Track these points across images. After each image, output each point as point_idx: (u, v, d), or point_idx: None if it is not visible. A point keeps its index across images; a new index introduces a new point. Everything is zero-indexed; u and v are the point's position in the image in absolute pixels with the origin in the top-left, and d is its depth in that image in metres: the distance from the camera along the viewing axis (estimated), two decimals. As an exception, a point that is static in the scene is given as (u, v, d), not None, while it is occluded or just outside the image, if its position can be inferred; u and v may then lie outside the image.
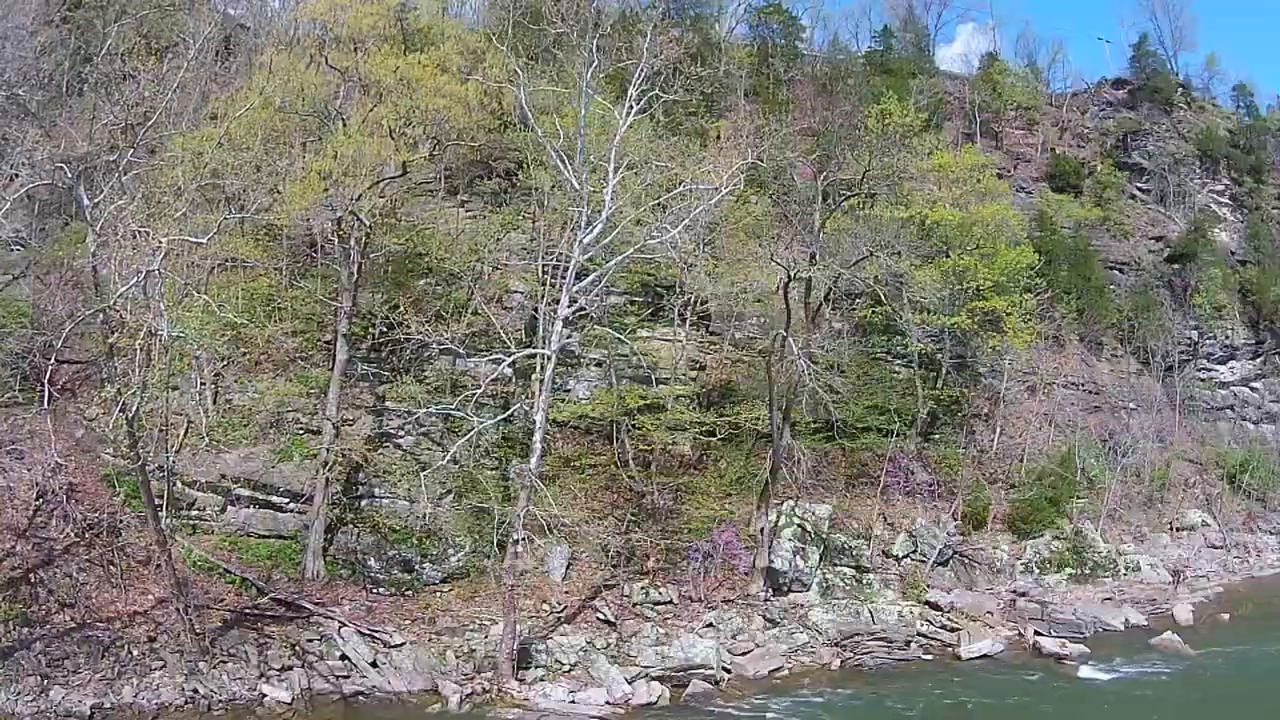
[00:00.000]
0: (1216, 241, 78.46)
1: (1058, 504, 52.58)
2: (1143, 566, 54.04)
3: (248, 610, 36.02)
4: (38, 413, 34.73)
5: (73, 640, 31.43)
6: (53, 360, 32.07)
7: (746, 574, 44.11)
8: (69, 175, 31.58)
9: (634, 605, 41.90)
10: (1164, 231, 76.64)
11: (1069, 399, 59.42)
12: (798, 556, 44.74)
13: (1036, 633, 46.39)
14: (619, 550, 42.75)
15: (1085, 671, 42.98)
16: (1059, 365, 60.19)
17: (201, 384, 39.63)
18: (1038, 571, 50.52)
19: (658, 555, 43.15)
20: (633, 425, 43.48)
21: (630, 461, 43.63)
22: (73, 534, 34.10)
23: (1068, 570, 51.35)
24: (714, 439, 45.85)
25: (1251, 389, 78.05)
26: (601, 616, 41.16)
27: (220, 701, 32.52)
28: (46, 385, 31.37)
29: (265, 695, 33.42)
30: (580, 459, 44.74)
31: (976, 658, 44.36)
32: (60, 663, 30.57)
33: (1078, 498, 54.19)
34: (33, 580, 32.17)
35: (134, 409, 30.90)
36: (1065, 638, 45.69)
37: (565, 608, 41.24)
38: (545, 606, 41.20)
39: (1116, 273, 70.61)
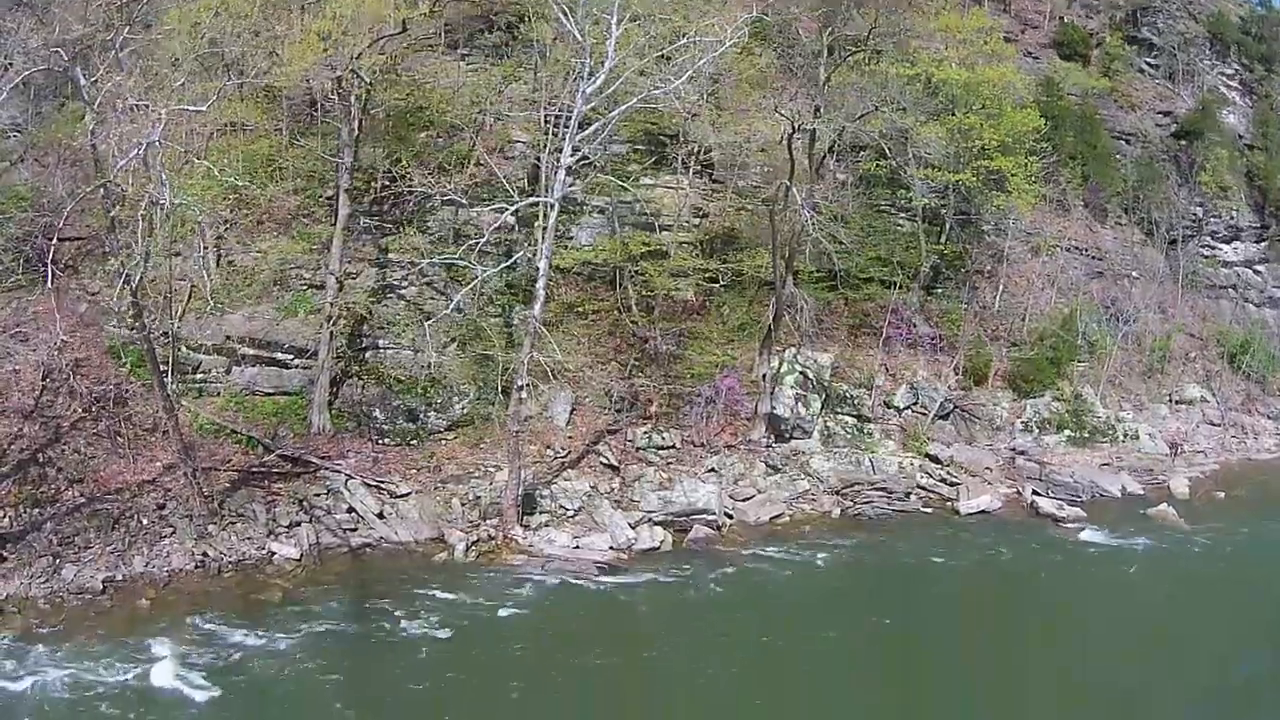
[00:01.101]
0: (1224, 124, 77.57)
1: (1058, 365, 52.94)
2: (1141, 436, 54.56)
3: (255, 469, 36.64)
4: (42, 293, 35.27)
5: (82, 516, 31.87)
6: (54, 239, 31.96)
7: (748, 420, 44.66)
8: (64, 59, 31.33)
9: (637, 450, 42.46)
10: (1171, 107, 75.87)
11: (1072, 263, 59.45)
12: (799, 404, 45.28)
13: (1035, 493, 47.24)
14: (622, 395, 43.37)
15: (1084, 535, 43.84)
16: (1063, 229, 60.09)
17: (204, 248, 39.63)
18: (1037, 431, 51.07)
19: (660, 400, 43.75)
20: (636, 272, 43.79)
21: (633, 307, 44.04)
22: (80, 409, 34.52)
23: (1066, 432, 51.90)
24: (717, 285, 46.20)
25: (1255, 272, 77.93)
26: (605, 461, 41.81)
27: (230, 563, 33.19)
28: (49, 265, 31.61)
29: (274, 553, 34.13)
30: (583, 305, 45.15)
31: (975, 513, 45.35)
32: (71, 540, 31.03)
33: (1078, 361, 54.57)
34: (41, 460, 32.47)
35: (137, 279, 31.22)
36: (1063, 500, 46.65)
37: (569, 453, 41.90)
38: (549, 452, 41.79)
39: (1123, 143, 70.09)
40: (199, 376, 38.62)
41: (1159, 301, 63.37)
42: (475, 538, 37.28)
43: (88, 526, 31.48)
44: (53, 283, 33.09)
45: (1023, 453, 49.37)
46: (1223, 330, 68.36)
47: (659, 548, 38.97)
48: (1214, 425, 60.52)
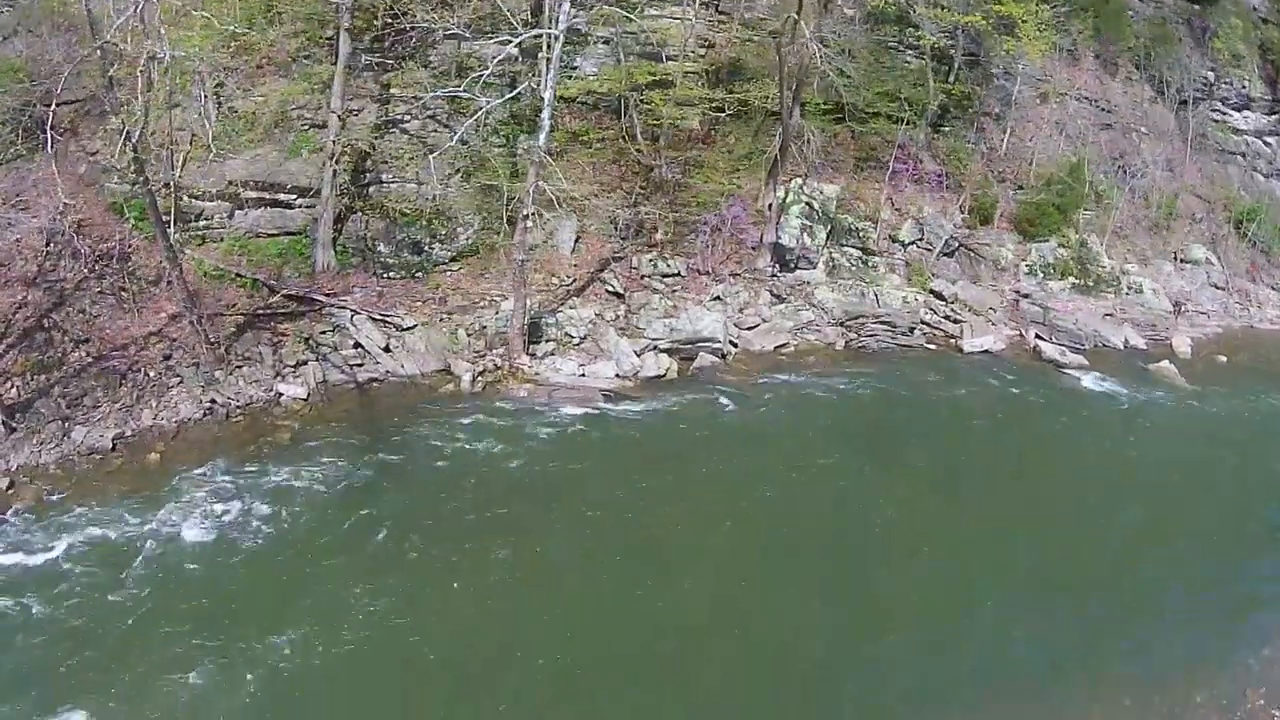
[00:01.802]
0: (1239, -4, 76.12)
1: (1065, 212, 52.77)
2: (1145, 290, 54.54)
3: (260, 311, 36.57)
4: (41, 160, 34.55)
5: (89, 376, 31.77)
6: (52, 105, 31.41)
7: (754, 249, 44.79)
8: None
9: (642, 277, 42.62)
10: (1186, -30, 74.30)
11: (1081, 112, 58.89)
12: (805, 234, 45.33)
13: (1038, 336, 47.54)
14: (627, 223, 43.43)
15: (1085, 382, 44.40)
16: (1072, 78, 59.28)
17: (204, 97, 39.17)
18: (1041, 276, 51.13)
19: (666, 228, 43.79)
20: (641, 101, 43.36)
21: (638, 136, 43.79)
22: (83, 269, 34.16)
23: (1071, 280, 51.96)
24: (722, 115, 45.83)
25: (1265, 142, 77.02)
26: (610, 289, 41.99)
27: (238, 407, 33.33)
28: (48, 130, 31.03)
29: (281, 394, 34.34)
30: (588, 134, 44.90)
31: (978, 352, 45.61)
32: (79, 401, 30.96)
33: (1085, 210, 54.25)
34: (46, 325, 32.19)
35: (137, 134, 30.92)
36: (1066, 346, 46.98)
37: (574, 281, 42.08)
38: (554, 280, 41.92)
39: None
40: (201, 224, 38.38)
41: (1167, 159, 62.87)
42: (481, 368, 37.66)
43: (95, 386, 31.45)
44: (52, 148, 32.64)
45: (1027, 296, 49.49)
46: (1230, 195, 67.90)
47: (664, 375, 39.35)
48: (1218, 289, 60.41)
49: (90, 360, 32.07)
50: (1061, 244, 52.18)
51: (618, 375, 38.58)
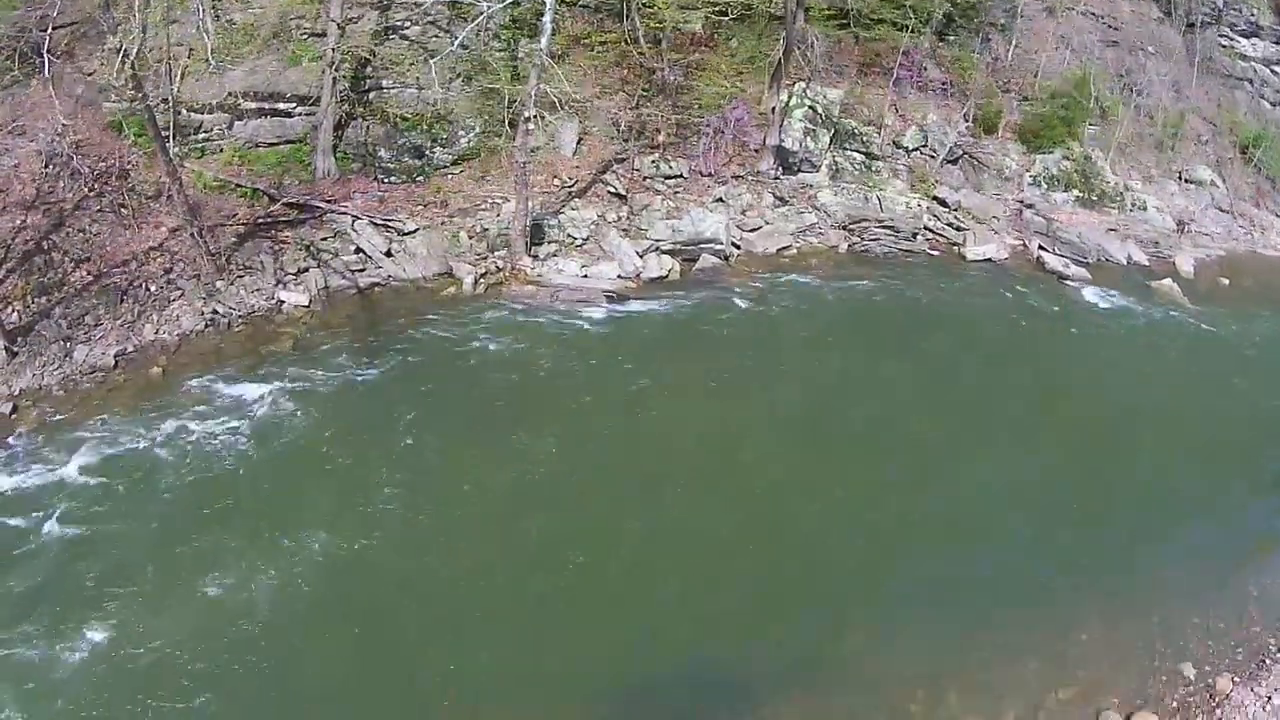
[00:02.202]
0: (1247, -80, 75.24)
1: (1070, 125, 52.58)
2: (1149, 208, 54.42)
3: (261, 220, 36.59)
4: (39, 83, 34.58)
5: (90, 294, 31.70)
6: (49, 29, 31.22)
7: (757, 151, 44.78)
8: None
9: (644, 179, 42.65)
10: (1193, -110, 73.48)
11: (1087, 27, 58.41)
12: (808, 138, 45.28)
13: (1041, 247, 47.53)
14: (629, 125, 43.45)
15: (1088, 294, 44.37)
16: (1078, -8, 58.82)
17: (202, 11, 38.83)
18: (1045, 187, 51.03)
19: (668, 130, 43.81)
20: (643, 4, 43.10)
21: (640, 39, 43.65)
22: (83, 189, 34.08)
23: (1075, 193, 51.84)
24: (725, 18, 45.52)
25: (1272, 70, 76.42)
26: (612, 190, 42.01)
27: (240, 317, 33.43)
28: (45, 54, 31.28)
29: (283, 302, 34.44)
30: (590, 37, 44.83)
31: (981, 260, 45.66)
32: (80, 320, 30.91)
33: (1090, 124, 53.96)
34: (45, 247, 32.07)
35: (135, 51, 30.97)
36: (1069, 258, 46.92)
37: (576, 182, 42.11)
38: (556, 182, 41.94)
39: (1142, -82, 68.19)
40: (201, 136, 38.40)
41: (1173, 80, 62.45)
42: (483, 270, 37.82)
43: (96, 304, 31.44)
44: (49, 71, 32.64)
45: (1030, 206, 49.45)
46: (1236, 121, 67.51)
47: (666, 276, 39.51)
48: (1222, 211, 60.20)
49: (91, 279, 32.08)
50: (1066, 157, 51.97)
51: (620, 276, 38.73)
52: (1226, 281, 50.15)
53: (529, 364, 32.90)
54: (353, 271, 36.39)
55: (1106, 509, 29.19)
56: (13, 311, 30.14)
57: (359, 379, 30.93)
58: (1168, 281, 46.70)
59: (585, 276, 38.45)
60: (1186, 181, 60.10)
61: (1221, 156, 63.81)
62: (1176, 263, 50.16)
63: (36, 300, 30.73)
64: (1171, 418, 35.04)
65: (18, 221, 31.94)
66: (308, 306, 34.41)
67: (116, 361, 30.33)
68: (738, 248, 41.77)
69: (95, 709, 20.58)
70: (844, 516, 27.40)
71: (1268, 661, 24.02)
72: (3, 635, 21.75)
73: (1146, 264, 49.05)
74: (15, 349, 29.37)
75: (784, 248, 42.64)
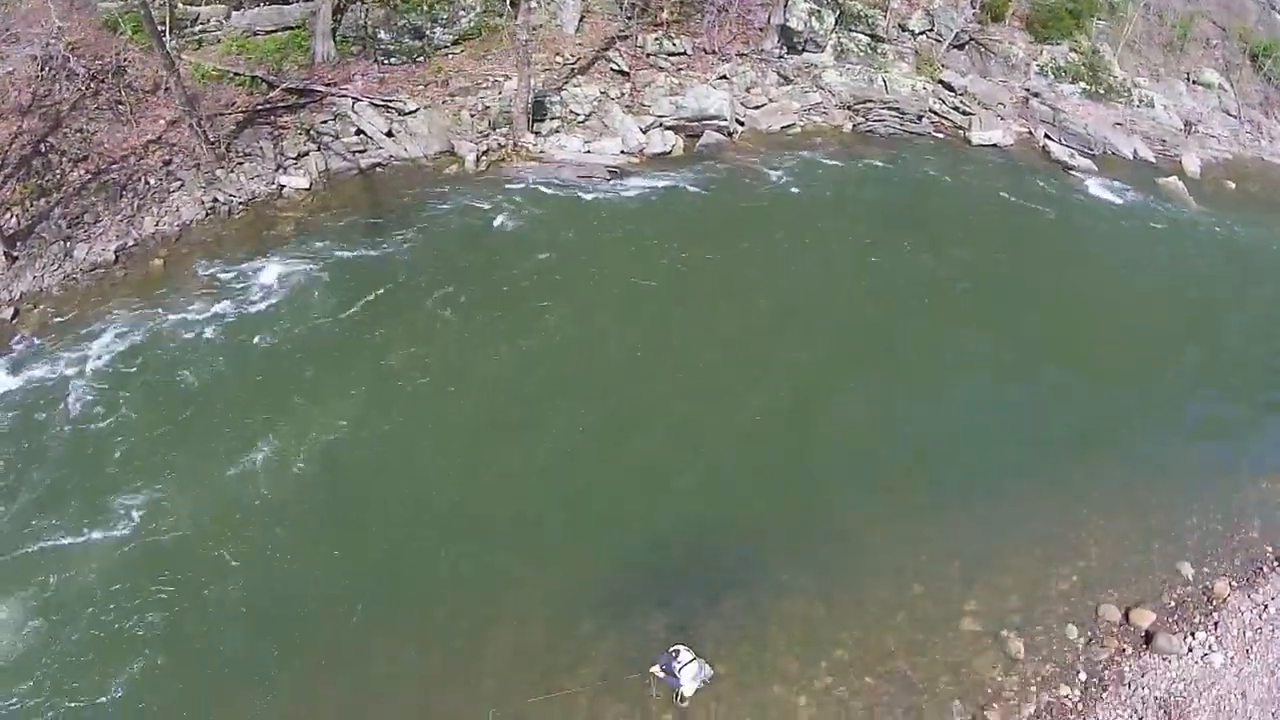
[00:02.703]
0: None
1: (1078, 17, 52.12)
2: (1156, 105, 53.92)
3: (260, 108, 36.38)
4: None
5: (90, 192, 31.60)
6: None
7: (761, 30, 44.53)
8: None
9: (647, 56, 42.40)
10: None
11: (1094, -80, 57.60)
12: (813, 18, 45.03)
13: (1047, 136, 47.30)
14: (632, 2, 43.02)
15: (1092, 185, 44.32)
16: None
17: None
18: (1052, 77, 50.63)
19: (671, 7, 43.61)
20: (646, -125, 42.54)
21: (644, -87, 42.97)
22: (79, 88, 33.80)
23: (1082, 85, 51.47)
24: (731, -107, 44.81)
25: (1284, -18, 75.63)
26: (615, 67, 41.78)
27: (240, 204, 33.43)
28: None
29: (284, 186, 34.40)
30: (593, -89, 43.95)
31: (986, 145, 45.57)
32: (79, 219, 30.84)
33: (1098, 18, 53.31)
34: (43, 149, 31.90)
35: None
36: (1074, 149, 46.73)
37: (578, 60, 41.90)
38: (558, 59, 41.72)
39: None
40: (198, 28, 38.25)
41: (1184, -19, 61.70)
42: (485, 147, 37.72)
43: (95, 202, 31.41)
44: None
45: (1037, 95, 49.06)
46: (1247, 29, 66.74)
47: (670, 152, 39.38)
48: (1230, 115, 59.57)
49: (89, 177, 31.98)
50: (1073, 49, 51.49)
51: (623, 152, 38.58)
52: (1232, 185, 49.74)
53: (532, 238, 32.96)
54: (353, 153, 36.29)
55: (1105, 403, 29.05)
56: (11, 217, 30.05)
57: (361, 258, 31.05)
58: (1174, 179, 46.46)
59: (588, 152, 38.27)
60: (1194, 83, 59.49)
61: (1230, 62, 63.10)
62: (1183, 162, 49.80)
63: (35, 204, 30.73)
64: (1175, 314, 34.91)
65: (15, 128, 31.87)
66: (309, 189, 34.39)
67: (117, 257, 30.37)
68: (741, 124, 41.53)
69: (126, 583, 21.02)
70: (841, 398, 27.51)
71: (1265, 570, 24.22)
72: (33, 522, 22.12)
73: (1152, 160, 48.69)
74: (15, 254, 29.35)
75: (788, 125, 42.38)
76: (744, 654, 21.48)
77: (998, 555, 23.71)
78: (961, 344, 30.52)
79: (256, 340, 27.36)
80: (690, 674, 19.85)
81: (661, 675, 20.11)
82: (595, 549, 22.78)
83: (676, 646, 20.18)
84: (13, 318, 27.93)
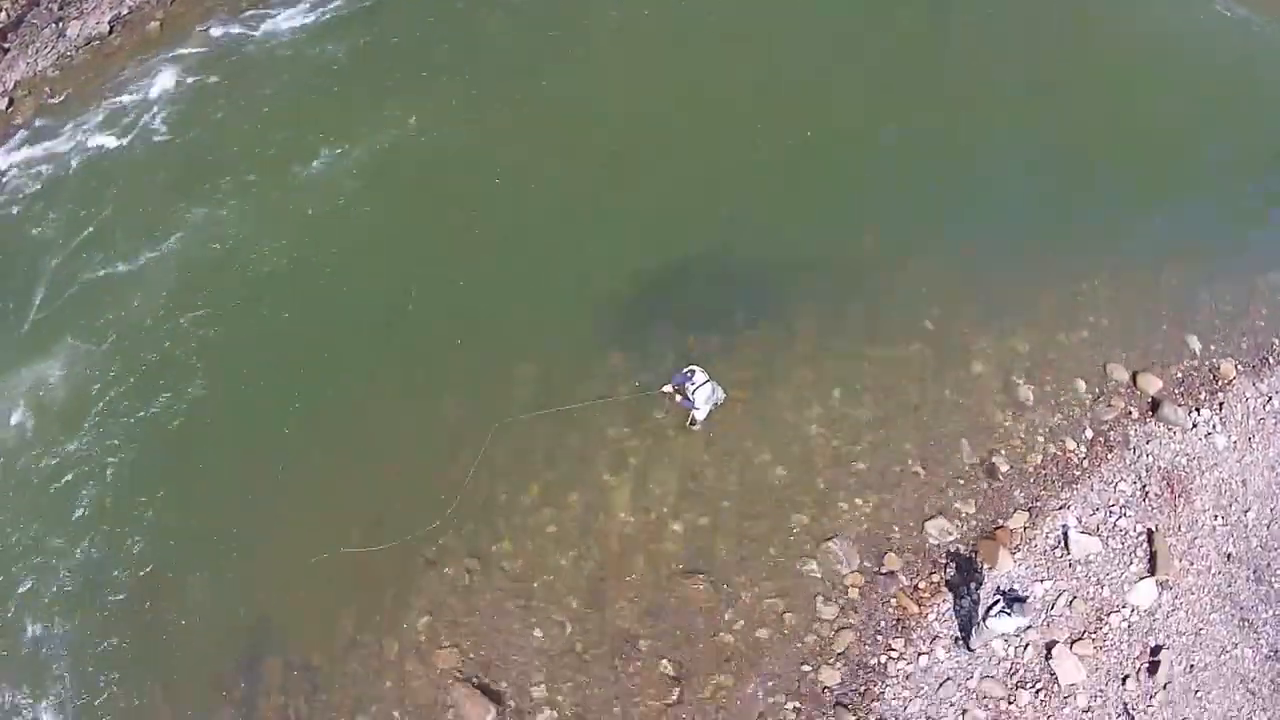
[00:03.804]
0: None
1: None
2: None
3: None
4: None
5: None
6: None
7: None
8: None
9: None
10: None
11: None
12: None
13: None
14: None
15: None
16: None
17: None
18: None
19: None
20: None
21: None
22: None
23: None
24: None
25: None
26: None
27: None
28: None
29: None
30: None
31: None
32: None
33: None
34: None
35: None
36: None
37: None
38: None
39: None
40: None
41: None
42: None
43: None
44: None
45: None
46: None
47: None
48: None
49: None
50: None
51: None
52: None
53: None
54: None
55: (1138, 178, 26.91)
56: (1, 11, 28.93)
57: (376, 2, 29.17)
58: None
59: None
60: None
61: None
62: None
63: (24, -5, 29.67)
64: (1224, 107, 31.54)
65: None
66: None
67: (111, 28, 29.12)
68: None
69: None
70: (872, 139, 26.06)
71: (1271, 361, 23.32)
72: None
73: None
74: (6, 45, 28.46)
75: None
76: (757, 378, 21.28)
77: (1013, 303, 23.20)
78: (977, 95, 28.80)
79: (268, 84, 26.91)
80: (704, 396, 19.43)
81: (675, 395, 19.77)
82: (612, 271, 22.86)
83: (691, 366, 19.72)
84: (8, 107, 27.33)
